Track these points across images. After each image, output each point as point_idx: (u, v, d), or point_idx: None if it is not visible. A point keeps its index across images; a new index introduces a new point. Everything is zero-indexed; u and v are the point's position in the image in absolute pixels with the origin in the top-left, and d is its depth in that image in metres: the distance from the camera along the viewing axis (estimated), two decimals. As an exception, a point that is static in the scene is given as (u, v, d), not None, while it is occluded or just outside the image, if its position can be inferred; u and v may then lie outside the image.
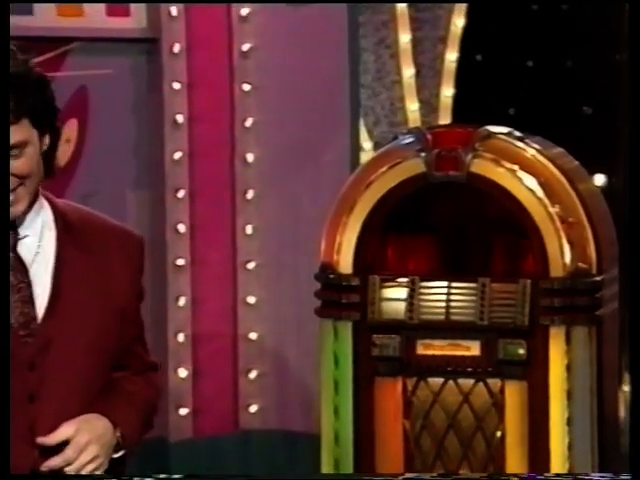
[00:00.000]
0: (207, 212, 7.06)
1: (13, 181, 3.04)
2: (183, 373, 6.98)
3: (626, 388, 5.97)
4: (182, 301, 7.00)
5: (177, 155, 7.03)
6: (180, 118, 7.01)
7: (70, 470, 3.02)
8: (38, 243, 3.10)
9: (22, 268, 3.05)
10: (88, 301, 3.11)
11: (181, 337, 6.99)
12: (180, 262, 7.03)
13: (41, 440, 3.01)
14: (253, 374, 7.12)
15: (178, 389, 6.97)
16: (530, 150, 5.08)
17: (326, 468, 5.26)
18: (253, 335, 7.12)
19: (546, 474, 4.60)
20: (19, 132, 3.06)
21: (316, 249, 5.34)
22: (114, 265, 3.17)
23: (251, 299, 7.12)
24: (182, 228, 7.04)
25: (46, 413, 3.04)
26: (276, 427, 7.06)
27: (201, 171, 7.06)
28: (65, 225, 3.14)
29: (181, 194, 7.03)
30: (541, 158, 5.07)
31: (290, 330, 6.92)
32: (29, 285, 3.07)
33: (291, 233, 6.89)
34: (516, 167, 5.01)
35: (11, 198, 3.05)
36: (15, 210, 3.04)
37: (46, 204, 3.15)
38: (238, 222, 7.09)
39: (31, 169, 3.07)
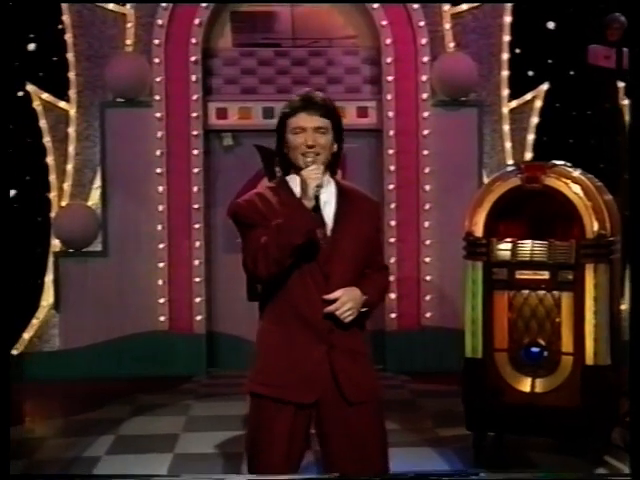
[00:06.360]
0: (405, 215, 6.91)
1: (317, 148, 2.88)
2: (392, 296, 6.83)
3: (623, 306, 5.73)
4: (392, 260, 6.83)
5: (390, 186, 6.91)
6: (392, 167, 6.89)
7: (337, 313, 2.85)
8: (326, 198, 2.94)
9: (318, 208, 2.88)
10: (352, 231, 2.93)
11: (391, 278, 6.80)
12: (391, 240, 6.93)
13: (325, 296, 2.86)
14: (428, 297, 6.94)
15: (389, 305, 6.87)
16: (576, 173, 4.90)
17: (468, 338, 5.11)
18: (428, 277, 6.96)
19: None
20: (324, 122, 2.91)
21: (463, 226, 5.25)
22: (364, 213, 3.00)
23: (427, 259, 6.95)
24: (392, 223, 6.90)
25: (332, 284, 2.88)
26: (440, 325, 6.86)
27: (401, 195, 6.91)
28: (341, 191, 2.98)
29: (392, 206, 6.92)
30: (582, 177, 4.86)
31: (449, 271, 6.65)
32: (322, 218, 2.88)
33: (448, 225, 6.68)
34: (569, 181, 4.79)
35: (311, 159, 2.88)
36: (314, 166, 2.86)
37: (332, 181, 2.97)
38: (420, 220, 6.91)
39: (325, 145, 2.92)
